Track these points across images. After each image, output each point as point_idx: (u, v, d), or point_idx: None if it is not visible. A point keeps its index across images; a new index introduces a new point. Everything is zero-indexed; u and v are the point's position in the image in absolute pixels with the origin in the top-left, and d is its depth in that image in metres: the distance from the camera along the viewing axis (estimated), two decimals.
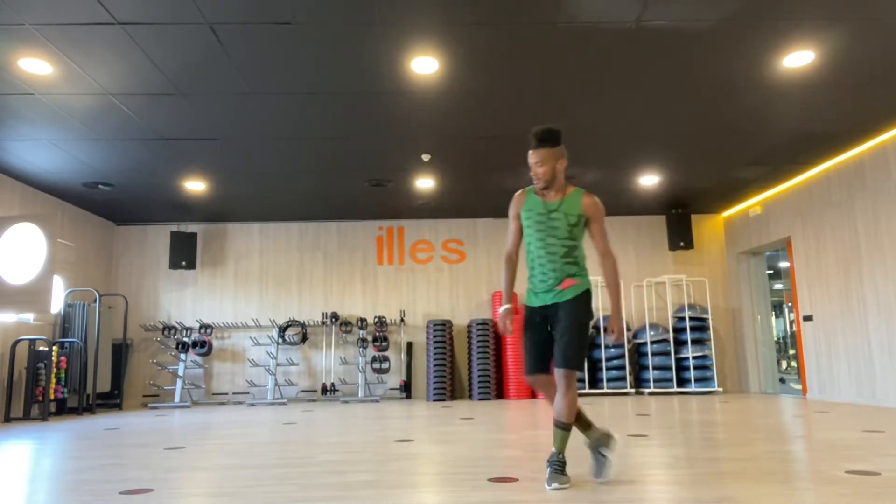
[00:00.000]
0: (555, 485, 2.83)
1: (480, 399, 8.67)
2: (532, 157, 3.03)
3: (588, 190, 8.32)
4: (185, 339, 9.03)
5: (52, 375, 7.16)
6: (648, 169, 7.50)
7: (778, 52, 4.71)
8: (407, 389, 9.23)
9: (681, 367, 9.11)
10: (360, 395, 8.90)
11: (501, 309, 3.08)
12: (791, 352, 15.83)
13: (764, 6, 4.10)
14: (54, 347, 7.33)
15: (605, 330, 3.14)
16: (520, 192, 3.16)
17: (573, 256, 3.01)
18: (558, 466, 2.90)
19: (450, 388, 8.82)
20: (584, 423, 3.08)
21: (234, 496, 2.77)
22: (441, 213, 9.46)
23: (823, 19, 4.26)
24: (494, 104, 5.57)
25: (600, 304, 9.60)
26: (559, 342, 2.93)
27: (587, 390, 8.97)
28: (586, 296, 2.99)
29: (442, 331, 8.92)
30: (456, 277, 9.67)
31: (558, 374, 2.91)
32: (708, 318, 9.18)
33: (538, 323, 3.03)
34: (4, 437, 5.32)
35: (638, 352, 9.32)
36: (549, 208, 3.03)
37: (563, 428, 2.93)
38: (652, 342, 9.10)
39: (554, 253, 2.99)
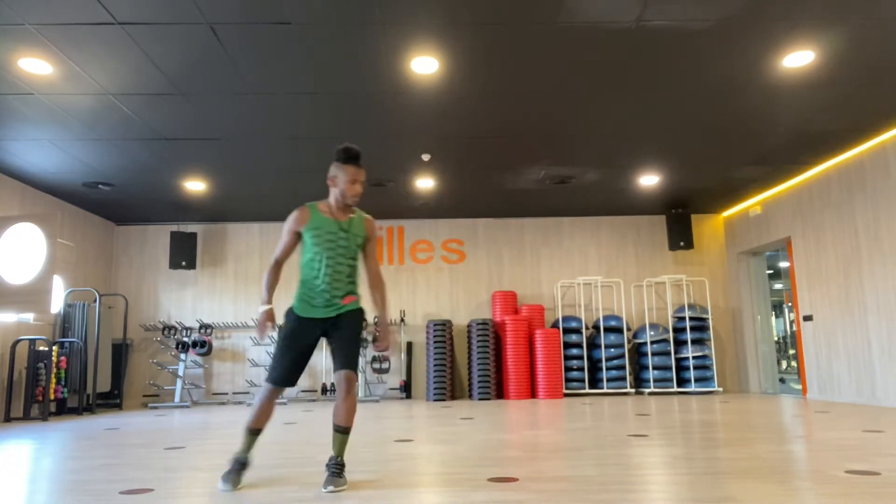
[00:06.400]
0: (330, 487, 2.84)
1: (480, 399, 8.67)
2: (357, 174, 3.05)
3: (588, 189, 8.34)
4: (185, 339, 9.03)
5: (52, 375, 7.16)
6: (648, 169, 7.50)
7: (778, 52, 4.71)
8: (407, 389, 9.24)
9: (681, 366, 9.11)
10: (359, 394, 8.90)
11: (263, 308, 3.02)
12: (791, 352, 15.84)
13: (764, 6, 4.10)
14: (54, 347, 7.33)
15: (375, 341, 3.11)
16: (302, 208, 3.09)
17: (354, 277, 3.12)
18: (336, 469, 2.92)
19: (450, 388, 8.82)
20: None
21: (234, 496, 2.77)
22: (441, 213, 9.46)
23: (823, 19, 4.26)
24: (494, 104, 5.57)
25: (602, 303, 9.60)
26: (341, 348, 3.00)
27: (587, 390, 8.98)
28: (362, 311, 3.14)
29: (442, 331, 8.92)
30: (456, 277, 9.67)
31: (342, 375, 2.96)
32: (708, 318, 9.18)
33: (307, 335, 3.02)
34: (4, 437, 5.32)
35: (638, 352, 9.32)
36: (342, 227, 3.06)
37: (342, 432, 2.97)
38: (652, 342, 9.10)
39: (341, 272, 3.05)
